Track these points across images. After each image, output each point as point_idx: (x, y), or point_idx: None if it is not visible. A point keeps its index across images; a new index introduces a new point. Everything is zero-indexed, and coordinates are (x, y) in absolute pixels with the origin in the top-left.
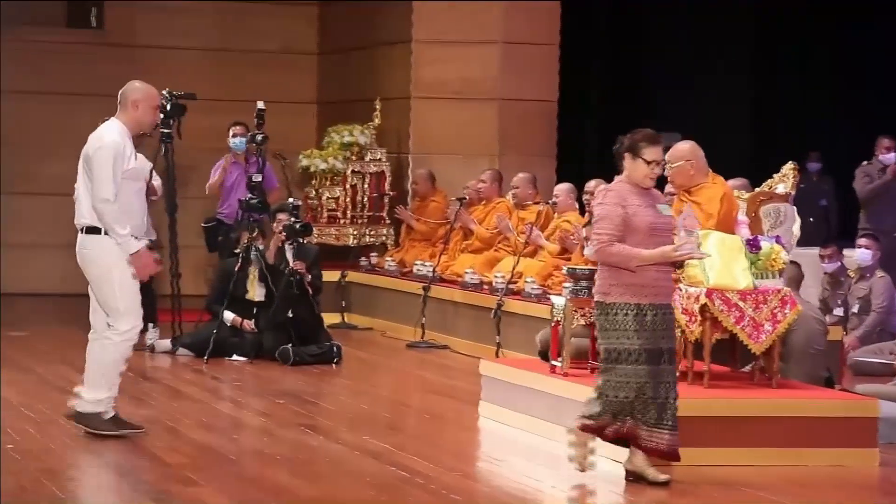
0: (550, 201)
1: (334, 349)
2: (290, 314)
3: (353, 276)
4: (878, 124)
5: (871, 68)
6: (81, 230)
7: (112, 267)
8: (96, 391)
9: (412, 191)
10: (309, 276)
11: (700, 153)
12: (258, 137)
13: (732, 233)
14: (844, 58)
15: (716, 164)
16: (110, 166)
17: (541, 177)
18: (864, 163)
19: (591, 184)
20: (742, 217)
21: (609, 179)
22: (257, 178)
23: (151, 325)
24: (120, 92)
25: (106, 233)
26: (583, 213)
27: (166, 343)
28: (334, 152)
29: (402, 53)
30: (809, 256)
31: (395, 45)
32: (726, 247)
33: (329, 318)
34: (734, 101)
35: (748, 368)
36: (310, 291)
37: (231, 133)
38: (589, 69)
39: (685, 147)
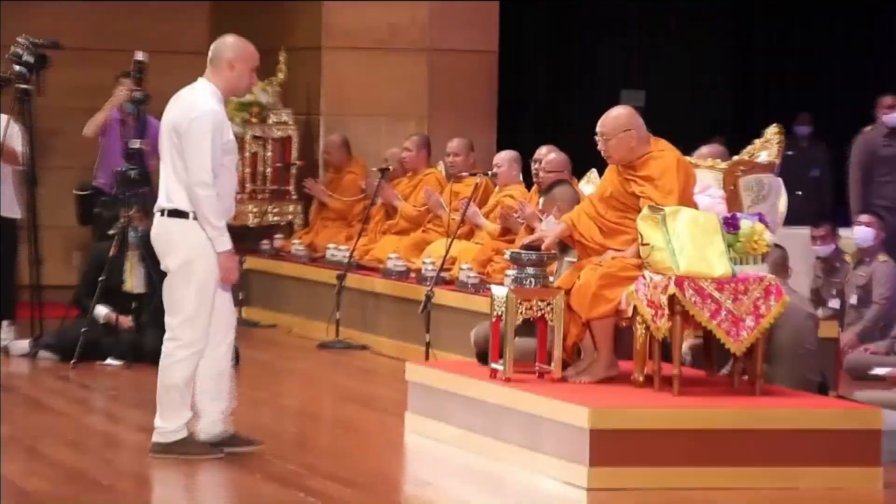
0: (490, 172)
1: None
2: None
3: (253, 262)
4: (878, 82)
5: (873, 17)
6: (162, 213)
7: (195, 259)
8: (176, 419)
9: (324, 160)
10: None
11: (639, 119)
12: (138, 95)
13: (690, 206)
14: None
15: (689, 129)
16: (209, 141)
17: (478, 142)
18: (869, 127)
19: (542, 150)
20: (717, 191)
21: (559, 143)
22: (135, 144)
23: (6, 322)
24: (211, 48)
25: (195, 218)
26: (529, 185)
27: (24, 344)
28: (231, 114)
29: None
30: (798, 237)
31: None
32: (699, 227)
33: None
34: (710, 52)
35: (726, 371)
36: None
37: None
38: (534, 13)
39: (621, 114)
